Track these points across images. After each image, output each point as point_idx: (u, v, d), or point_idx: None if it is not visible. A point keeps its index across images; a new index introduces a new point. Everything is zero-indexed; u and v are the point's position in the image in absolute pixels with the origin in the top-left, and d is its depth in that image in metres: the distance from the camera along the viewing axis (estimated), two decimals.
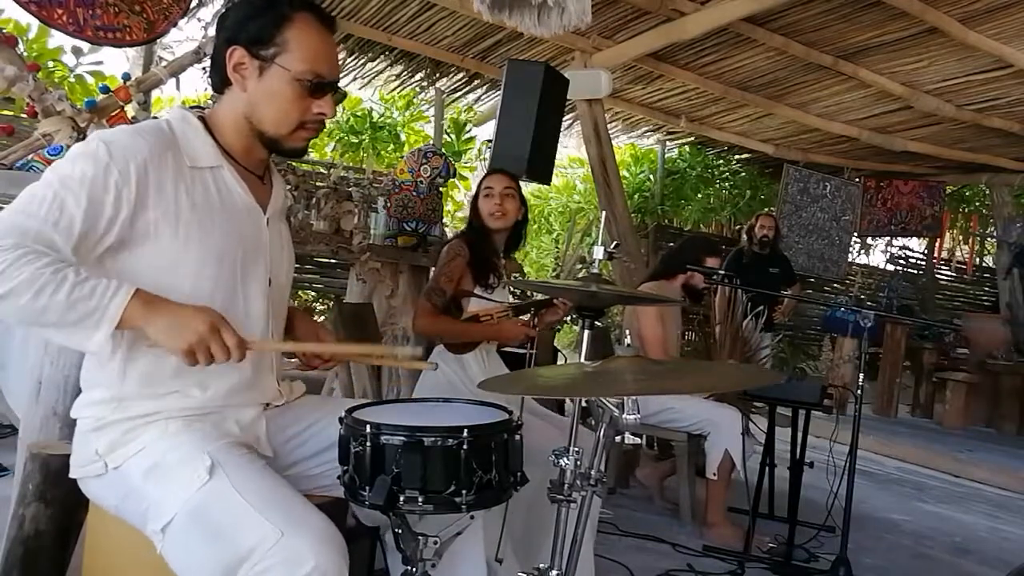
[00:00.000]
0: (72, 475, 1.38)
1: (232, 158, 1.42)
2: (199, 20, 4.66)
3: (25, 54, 4.13)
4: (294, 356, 1.66)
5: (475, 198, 2.69)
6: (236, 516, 1.18)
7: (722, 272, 3.50)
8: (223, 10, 1.45)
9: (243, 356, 1.26)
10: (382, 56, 5.98)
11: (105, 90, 2.46)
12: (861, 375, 2.72)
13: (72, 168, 1.24)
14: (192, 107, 1.56)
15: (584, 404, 1.69)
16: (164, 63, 2.66)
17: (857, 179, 8.61)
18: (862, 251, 9.86)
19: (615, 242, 1.86)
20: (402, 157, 4.06)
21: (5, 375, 3.13)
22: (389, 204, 3.47)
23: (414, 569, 1.32)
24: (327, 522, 1.19)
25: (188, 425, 1.31)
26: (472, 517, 1.44)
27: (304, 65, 1.36)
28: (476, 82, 6.46)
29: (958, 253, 10.66)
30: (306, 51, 1.36)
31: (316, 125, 1.43)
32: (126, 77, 2.48)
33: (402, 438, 1.28)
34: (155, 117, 1.44)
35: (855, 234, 8.88)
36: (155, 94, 5.39)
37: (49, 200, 1.21)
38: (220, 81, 1.41)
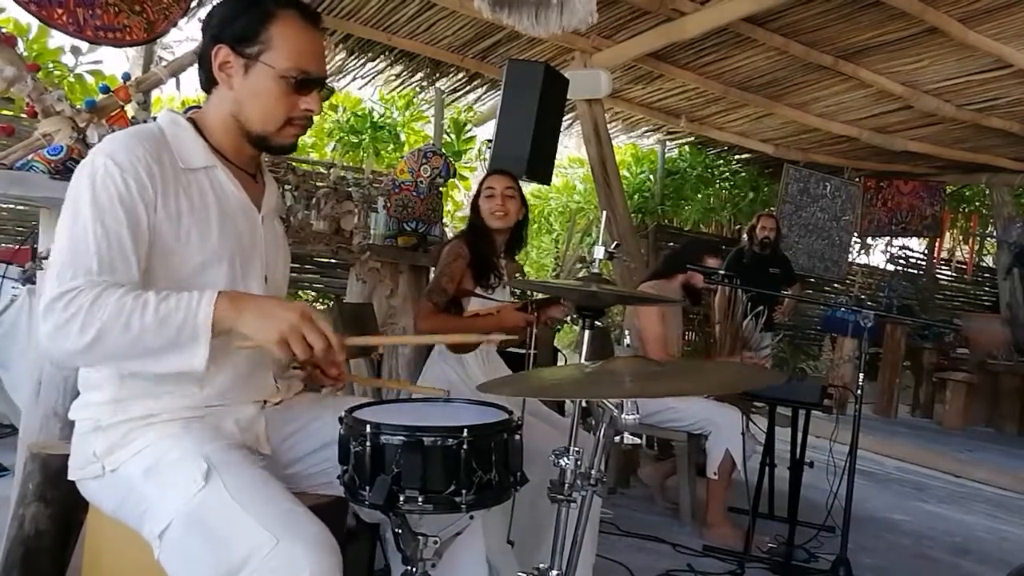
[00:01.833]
0: (71, 477, 1.37)
1: (224, 157, 1.42)
2: (199, 20, 4.65)
3: (25, 54, 4.14)
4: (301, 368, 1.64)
5: (476, 199, 2.69)
6: (231, 522, 1.17)
7: (722, 272, 3.50)
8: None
9: (342, 348, 1.24)
10: (382, 56, 5.97)
11: (105, 90, 2.45)
12: (861, 375, 2.72)
13: (93, 191, 1.23)
14: (191, 107, 1.56)
15: (584, 404, 1.69)
16: (164, 63, 2.66)
17: (857, 179, 8.61)
18: (862, 251, 9.86)
19: (615, 242, 1.86)
20: (402, 157, 4.06)
21: (9, 374, 3.14)
22: (389, 204, 3.46)
23: (414, 569, 1.32)
24: (322, 528, 1.19)
25: (187, 426, 1.30)
26: (472, 517, 1.44)
27: (289, 62, 1.35)
28: (476, 82, 6.46)
29: (958, 253, 10.65)
30: (291, 48, 1.36)
31: (303, 122, 1.42)
32: (126, 77, 2.47)
33: (402, 438, 1.28)
34: (154, 118, 1.44)
35: (855, 234, 8.88)
36: (155, 94, 5.40)
37: (91, 229, 1.21)
38: (207, 80, 1.41)
